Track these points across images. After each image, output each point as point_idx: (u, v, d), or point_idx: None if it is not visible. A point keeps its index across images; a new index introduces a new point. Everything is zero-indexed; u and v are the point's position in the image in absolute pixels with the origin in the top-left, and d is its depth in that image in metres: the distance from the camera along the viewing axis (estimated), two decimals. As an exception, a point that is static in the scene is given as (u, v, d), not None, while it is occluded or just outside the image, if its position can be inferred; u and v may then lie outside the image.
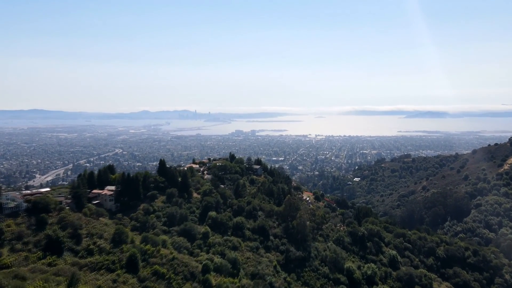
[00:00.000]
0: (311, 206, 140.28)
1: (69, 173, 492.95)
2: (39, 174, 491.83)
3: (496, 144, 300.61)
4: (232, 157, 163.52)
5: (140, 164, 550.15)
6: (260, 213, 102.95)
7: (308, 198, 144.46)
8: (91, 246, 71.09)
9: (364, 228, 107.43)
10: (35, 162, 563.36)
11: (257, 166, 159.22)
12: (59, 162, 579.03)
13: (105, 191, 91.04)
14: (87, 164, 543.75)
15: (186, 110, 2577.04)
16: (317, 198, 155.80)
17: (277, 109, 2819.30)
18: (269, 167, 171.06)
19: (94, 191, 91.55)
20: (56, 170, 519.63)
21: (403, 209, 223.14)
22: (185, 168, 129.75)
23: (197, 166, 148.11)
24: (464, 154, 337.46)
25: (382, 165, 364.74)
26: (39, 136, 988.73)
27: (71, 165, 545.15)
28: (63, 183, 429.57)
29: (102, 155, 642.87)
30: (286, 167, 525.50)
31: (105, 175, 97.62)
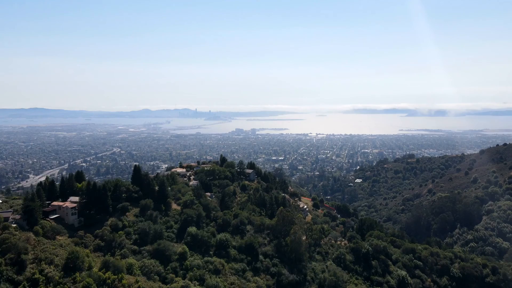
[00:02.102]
0: (308, 215, 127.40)
1: (63, 173, 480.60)
2: (33, 174, 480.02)
3: (505, 144, 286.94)
4: (222, 160, 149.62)
5: (137, 163, 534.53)
6: (249, 227, 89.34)
7: (306, 206, 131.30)
8: (37, 275, 57.94)
9: (368, 244, 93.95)
10: (30, 162, 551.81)
11: (250, 171, 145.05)
12: (55, 161, 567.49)
13: (66, 204, 78.01)
14: (83, 164, 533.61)
15: (186, 108, 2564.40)
16: (316, 205, 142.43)
17: (278, 107, 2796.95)
18: (263, 171, 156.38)
19: (54, 203, 78.51)
20: (51, 170, 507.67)
21: (408, 214, 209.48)
22: (168, 173, 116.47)
23: (184, 170, 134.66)
24: (471, 154, 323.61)
25: (385, 165, 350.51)
26: (38, 135, 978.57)
27: (67, 164, 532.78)
28: (57, 183, 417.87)
29: (100, 154, 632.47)
30: (286, 166, 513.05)
31: (69, 184, 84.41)
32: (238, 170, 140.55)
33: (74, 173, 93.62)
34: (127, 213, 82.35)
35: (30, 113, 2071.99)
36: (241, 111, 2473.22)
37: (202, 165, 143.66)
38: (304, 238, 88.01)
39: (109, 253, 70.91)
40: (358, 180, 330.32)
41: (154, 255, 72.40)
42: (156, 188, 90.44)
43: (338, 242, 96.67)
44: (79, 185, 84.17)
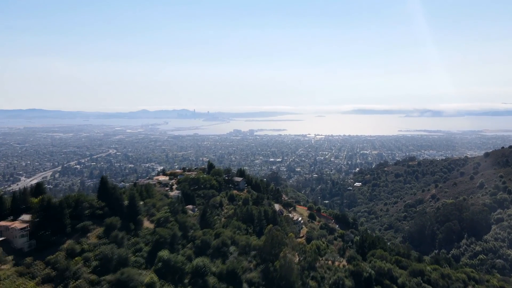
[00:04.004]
0: (304, 228, 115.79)
1: (56, 175, 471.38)
2: (25, 177, 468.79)
3: (510, 146, 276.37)
4: (210, 166, 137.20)
5: (132, 165, 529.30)
6: (232, 248, 77.00)
7: (300, 218, 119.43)
8: (-43, 322, 46.59)
9: (370, 266, 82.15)
10: (24, 164, 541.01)
11: (239, 179, 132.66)
12: (48, 163, 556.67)
13: (15, 224, 66.09)
14: (77, 166, 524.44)
15: (185, 109, 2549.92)
16: (312, 215, 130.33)
17: (277, 108, 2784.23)
18: (254, 180, 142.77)
19: (2, 223, 66.59)
20: (43, 173, 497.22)
21: (411, 222, 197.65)
22: (148, 182, 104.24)
23: (166, 178, 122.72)
24: (475, 157, 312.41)
25: (385, 168, 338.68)
26: (34, 136, 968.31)
27: (60, 167, 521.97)
28: (48, 186, 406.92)
29: (95, 156, 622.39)
30: (283, 168, 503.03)
31: (23, 199, 72.25)
32: (226, 178, 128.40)
33: (34, 185, 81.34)
34: (88, 234, 70.08)
35: (28, 114, 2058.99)
36: (240, 112, 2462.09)
37: (187, 173, 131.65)
38: (296, 260, 76.28)
39: (61, 285, 59.06)
40: (357, 184, 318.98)
41: (116, 286, 60.56)
42: (126, 202, 78.08)
43: (336, 264, 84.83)
44: (35, 200, 72.08)
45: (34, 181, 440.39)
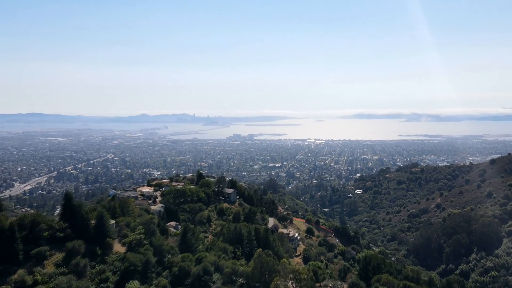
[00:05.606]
0: (300, 244, 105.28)
1: (51, 181, 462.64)
2: (19, 183, 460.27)
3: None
4: (199, 176, 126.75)
5: (129, 171, 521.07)
6: (216, 276, 66.17)
7: (297, 234, 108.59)
8: None
9: (375, 295, 71.89)
10: (19, 169, 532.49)
11: (230, 190, 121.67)
12: (44, 168, 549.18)
13: (-44, 251, 55.97)
14: (73, 171, 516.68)
15: (184, 113, 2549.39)
16: (310, 230, 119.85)
17: (277, 112, 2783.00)
18: (246, 192, 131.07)
19: None
20: (38, 178, 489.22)
21: (416, 234, 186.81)
22: (125, 195, 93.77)
23: (151, 190, 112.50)
24: (480, 164, 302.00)
25: (387, 175, 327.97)
26: (32, 140, 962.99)
27: (56, 172, 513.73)
28: (41, 192, 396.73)
29: (92, 161, 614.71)
30: (283, 174, 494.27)
31: (-28, 220, 62.01)
32: (216, 189, 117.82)
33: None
34: (45, 262, 59.47)
35: (28, 118, 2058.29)
36: (240, 116, 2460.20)
37: (174, 183, 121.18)
38: (290, 288, 65.85)
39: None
40: (358, 191, 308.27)
41: (71, 328, 50.27)
42: (93, 222, 67.35)
43: (336, 290, 74.68)
44: (-14, 221, 61.73)
45: (28, 186, 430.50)
